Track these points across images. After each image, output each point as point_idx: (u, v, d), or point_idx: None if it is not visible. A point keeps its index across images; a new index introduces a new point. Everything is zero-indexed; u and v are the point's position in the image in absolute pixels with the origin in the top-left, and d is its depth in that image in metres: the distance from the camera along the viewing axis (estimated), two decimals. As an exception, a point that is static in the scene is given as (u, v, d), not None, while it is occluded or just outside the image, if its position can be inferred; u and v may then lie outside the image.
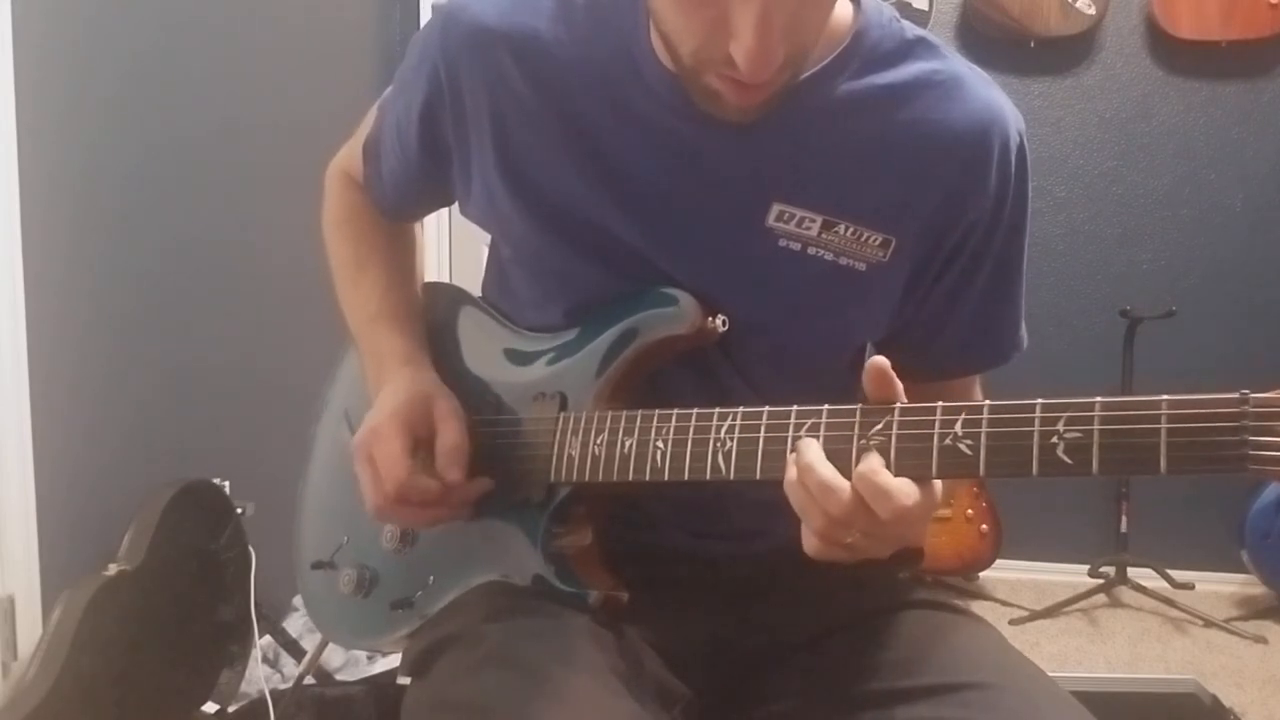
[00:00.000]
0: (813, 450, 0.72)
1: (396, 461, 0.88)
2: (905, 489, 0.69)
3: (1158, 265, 3.11)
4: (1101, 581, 2.88)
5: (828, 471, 0.71)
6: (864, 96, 0.85)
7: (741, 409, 0.79)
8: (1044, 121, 3.10)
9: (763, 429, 0.77)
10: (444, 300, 1.06)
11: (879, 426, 0.72)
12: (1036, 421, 0.67)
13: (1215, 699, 1.99)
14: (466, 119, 0.91)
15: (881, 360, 0.73)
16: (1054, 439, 0.66)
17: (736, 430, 0.78)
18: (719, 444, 0.78)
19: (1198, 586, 2.87)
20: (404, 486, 0.88)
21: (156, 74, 1.99)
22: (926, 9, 2.95)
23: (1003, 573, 3.02)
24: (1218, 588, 2.98)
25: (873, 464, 0.70)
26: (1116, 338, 2.91)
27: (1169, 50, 3.03)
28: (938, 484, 0.72)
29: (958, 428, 0.70)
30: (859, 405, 0.74)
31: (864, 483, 0.70)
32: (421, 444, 0.90)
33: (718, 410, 0.80)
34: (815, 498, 0.71)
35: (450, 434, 0.90)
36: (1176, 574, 2.86)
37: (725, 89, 0.78)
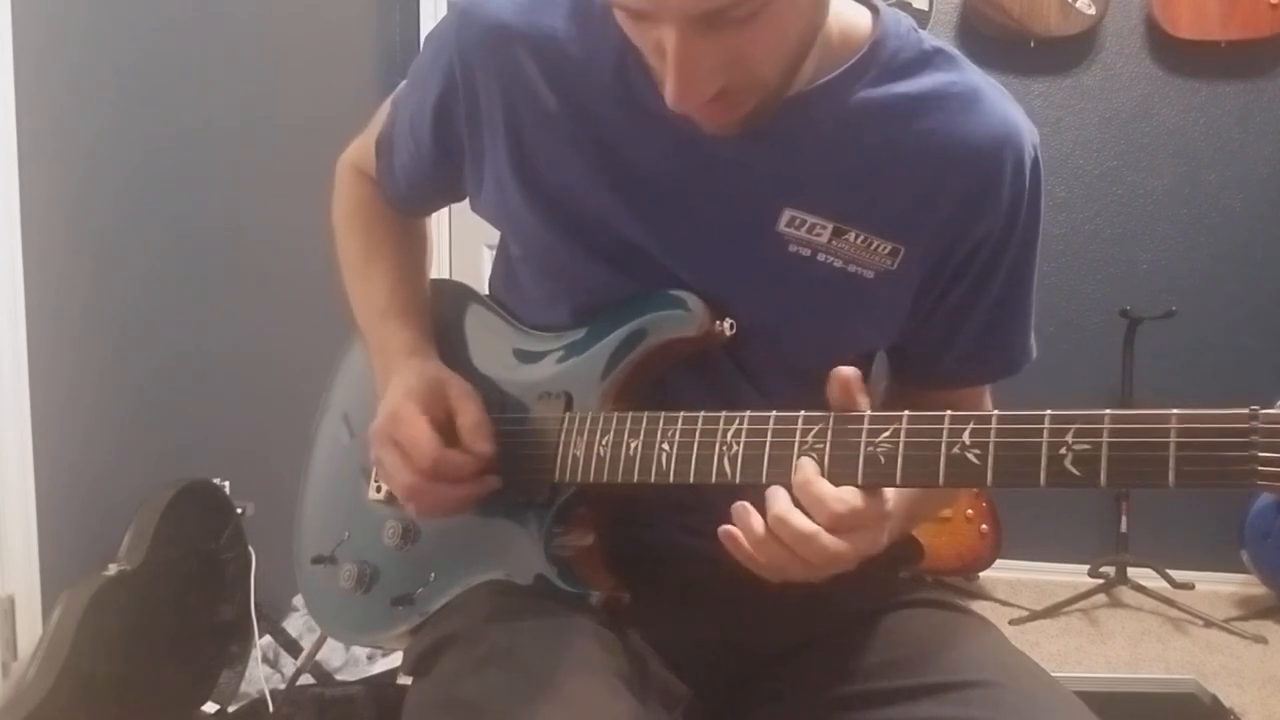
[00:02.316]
0: (779, 503, 0.73)
1: (426, 439, 0.87)
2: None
3: (1158, 265, 3.11)
4: (1101, 581, 2.88)
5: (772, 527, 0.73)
6: (880, 105, 0.85)
7: (748, 413, 0.79)
8: (1044, 121, 3.09)
9: (769, 434, 0.77)
10: (451, 297, 1.06)
11: (886, 434, 0.72)
12: (1045, 433, 0.67)
13: (1215, 699, 1.99)
14: (480, 115, 0.91)
15: (848, 370, 0.74)
16: (1062, 450, 0.66)
17: (743, 435, 0.78)
18: (725, 448, 0.78)
19: (1198, 586, 2.87)
20: (439, 462, 0.87)
21: (156, 74, 1.98)
22: (926, 9, 2.96)
23: (1003, 573, 3.02)
24: (1218, 588, 2.98)
25: (806, 473, 0.73)
26: (1116, 338, 2.92)
27: (1169, 50, 3.03)
28: (889, 492, 0.74)
29: (965, 437, 0.70)
30: (867, 412, 0.74)
31: (802, 492, 0.72)
32: (438, 426, 0.90)
33: (724, 414, 0.80)
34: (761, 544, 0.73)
35: (471, 411, 0.90)
36: (1176, 574, 2.86)
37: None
